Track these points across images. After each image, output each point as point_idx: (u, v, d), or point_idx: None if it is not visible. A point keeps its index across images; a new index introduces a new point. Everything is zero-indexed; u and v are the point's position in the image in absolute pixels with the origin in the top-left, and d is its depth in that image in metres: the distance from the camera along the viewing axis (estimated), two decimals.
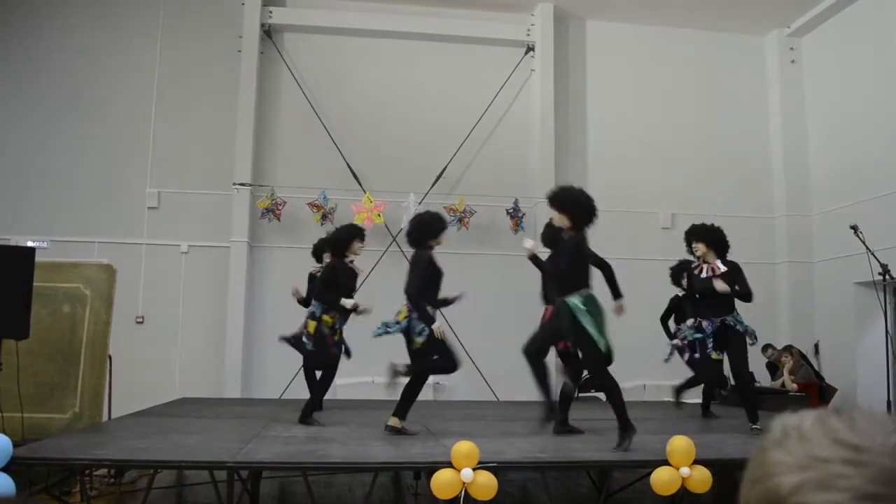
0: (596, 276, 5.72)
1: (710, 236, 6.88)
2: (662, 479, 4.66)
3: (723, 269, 6.71)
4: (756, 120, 12.06)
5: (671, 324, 8.21)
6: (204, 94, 11.01)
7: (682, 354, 7.10)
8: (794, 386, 9.18)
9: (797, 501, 0.60)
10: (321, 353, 6.65)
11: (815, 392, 9.37)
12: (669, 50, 11.98)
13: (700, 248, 6.88)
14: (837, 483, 0.60)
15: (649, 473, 4.78)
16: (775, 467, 0.64)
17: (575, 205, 5.48)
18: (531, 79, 11.58)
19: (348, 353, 7.01)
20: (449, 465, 4.50)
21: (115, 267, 7.57)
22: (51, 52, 10.75)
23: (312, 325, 6.62)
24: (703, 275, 6.78)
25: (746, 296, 6.61)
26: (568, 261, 5.49)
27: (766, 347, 10.38)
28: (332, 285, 6.66)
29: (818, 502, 0.59)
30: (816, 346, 10.95)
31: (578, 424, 6.20)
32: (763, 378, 10.00)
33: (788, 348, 9.86)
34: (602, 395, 8.55)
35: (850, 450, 0.62)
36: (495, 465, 4.61)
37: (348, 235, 6.91)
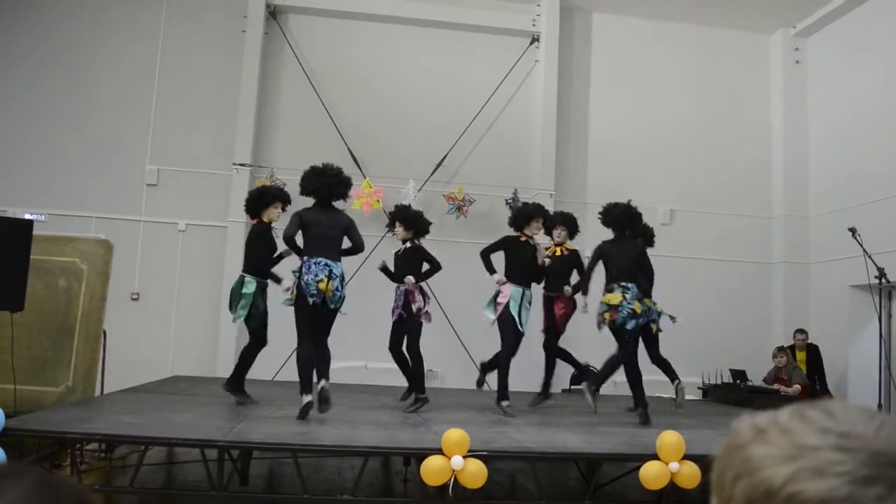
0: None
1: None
2: (651, 474, 4.69)
3: None
4: (758, 119, 12.05)
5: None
6: (207, 74, 10.96)
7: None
8: (798, 387, 9.17)
9: (793, 490, 0.61)
10: None
11: (807, 394, 9.40)
12: (674, 45, 11.95)
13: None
14: (832, 469, 0.60)
15: (639, 467, 4.80)
16: (762, 460, 0.64)
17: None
18: (535, 70, 11.54)
19: None
20: (439, 451, 4.51)
21: (111, 242, 7.56)
22: (53, 25, 10.68)
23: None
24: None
25: None
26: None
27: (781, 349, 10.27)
28: None
29: (815, 489, 0.60)
30: None
31: (571, 419, 6.22)
32: (755, 376, 10.01)
33: (783, 349, 9.87)
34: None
35: (838, 437, 0.63)
36: (485, 453, 4.63)
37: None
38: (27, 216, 8.22)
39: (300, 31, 11.26)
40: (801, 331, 10.32)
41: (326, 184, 6.24)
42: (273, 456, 6.30)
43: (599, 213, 7.26)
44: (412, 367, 6.97)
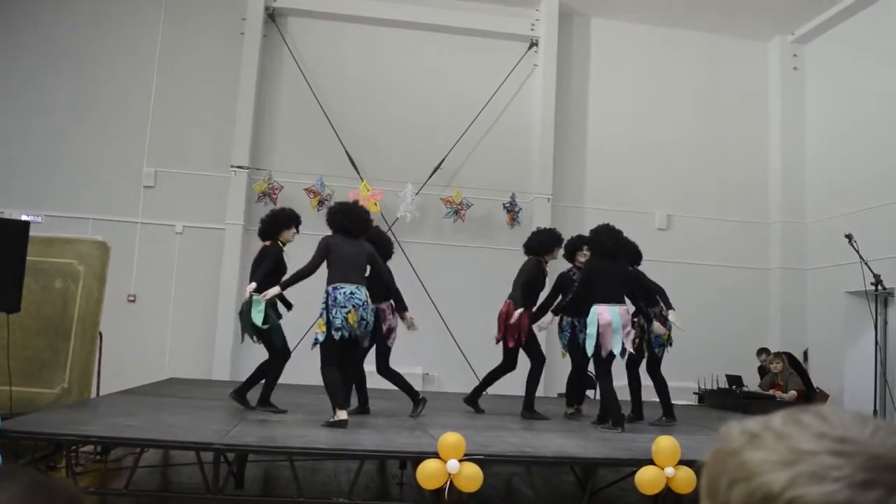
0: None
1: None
2: (647, 479, 4.68)
3: None
4: (755, 125, 12.07)
5: None
6: (205, 76, 10.96)
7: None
8: (794, 393, 9.19)
9: (793, 496, 0.61)
10: None
11: (802, 400, 9.40)
12: (672, 50, 11.97)
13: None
14: (830, 474, 0.60)
15: (634, 472, 4.80)
16: (759, 466, 0.64)
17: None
18: (533, 74, 11.56)
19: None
20: (435, 455, 4.51)
21: (108, 244, 7.55)
22: (52, 28, 10.68)
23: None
24: None
25: None
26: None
27: (760, 351, 10.35)
28: None
29: (814, 494, 0.60)
30: (805, 354, 10.99)
31: (567, 423, 6.20)
32: (751, 382, 10.03)
33: (779, 355, 9.89)
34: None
35: (835, 441, 0.62)
36: (481, 457, 4.62)
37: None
38: (24, 217, 8.21)
39: (299, 33, 11.27)
40: (764, 350, 10.29)
41: (363, 222, 6.20)
42: (269, 459, 6.29)
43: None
44: (397, 385, 6.68)
